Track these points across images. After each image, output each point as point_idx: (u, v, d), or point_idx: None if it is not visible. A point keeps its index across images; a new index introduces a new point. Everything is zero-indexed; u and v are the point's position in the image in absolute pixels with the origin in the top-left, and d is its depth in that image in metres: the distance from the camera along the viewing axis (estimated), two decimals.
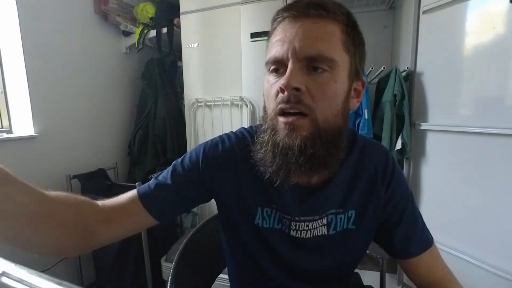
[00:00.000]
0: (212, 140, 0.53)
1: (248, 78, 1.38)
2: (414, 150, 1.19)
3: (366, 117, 1.16)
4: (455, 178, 1.06)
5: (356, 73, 0.43)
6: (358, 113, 1.20)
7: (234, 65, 1.39)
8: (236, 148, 0.50)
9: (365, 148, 0.51)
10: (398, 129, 1.18)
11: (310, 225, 0.49)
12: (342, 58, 0.40)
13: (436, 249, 0.51)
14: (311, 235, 0.49)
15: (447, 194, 1.09)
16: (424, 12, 1.11)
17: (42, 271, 0.22)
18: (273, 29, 0.43)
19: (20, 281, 0.21)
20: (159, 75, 1.74)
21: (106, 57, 1.66)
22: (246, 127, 0.56)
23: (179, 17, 1.53)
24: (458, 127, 1.02)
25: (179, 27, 1.58)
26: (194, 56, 1.50)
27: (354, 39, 0.42)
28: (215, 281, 0.72)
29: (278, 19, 0.42)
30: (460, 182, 1.04)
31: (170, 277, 0.65)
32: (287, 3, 1.28)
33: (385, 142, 1.18)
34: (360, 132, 1.18)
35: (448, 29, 1.04)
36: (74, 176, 1.36)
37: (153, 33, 1.67)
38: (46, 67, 1.32)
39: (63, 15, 1.40)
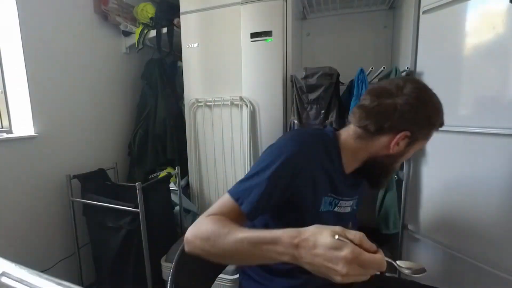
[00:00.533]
0: (292, 143, 0.63)
1: (248, 78, 1.38)
2: None
3: None
4: (454, 178, 1.06)
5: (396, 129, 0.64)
6: None
7: (234, 65, 1.39)
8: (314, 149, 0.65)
9: None
10: None
11: (348, 203, 0.72)
12: None
13: None
14: (349, 210, 0.73)
15: (447, 194, 1.09)
16: (424, 12, 1.11)
17: (42, 271, 0.22)
18: (434, 126, 0.66)
19: (20, 281, 0.21)
20: (159, 75, 1.74)
21: (106, 57, 1.66)
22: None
23: (179, 17, 1.53)
24: (458, 127, 1.02)
25: (179, 27, 1.58)
26: (194, 56, 1.50)
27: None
28: (215, 281, 0.72)
29: (438, 122, 0.66)
30: (460, 182, 1.04)
31: (170, 277, 0.65)
32: (286, 5, 1.29)
33: None
34: None
35: (448, 29, 1.04)
36: (74, 176, 1.37)
37: (153, 33, 1.67)
38: (46, 67, 1.33)
39: (63, 15, 1.40)
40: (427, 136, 0.64)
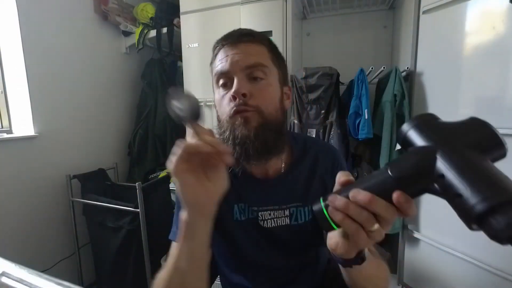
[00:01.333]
0: None
1: None
2: None
3: (366, 117, 1.16)
4: None
5: (283, 80, 0.57)
6: (358, 113, 1.20)
7: None
8: None
9: (318, 152, 0.60)
10: (398, 129, 1.18)
11: (273, 214, 0.57)
12: (272, 68, 0.54)
13: None
14: (276, 224, 0.57)
15: None
16: (424, 12, 1.11)
17: (42, 271, 0.22)
18: (215, 54, 0.56)
19: (20, 281, 0.21)
20: (159, 75, 1.74)
21: (106, 57, 1.66)
22: None
23: (179, 17, 1.53)
24: None
25: (179, 27, 1.58)
26: (194, 56, 1.50)
27: (277, 56, 0.56)
28: (215, 281, 0.72)
29: (218, 47, 0.56)
30: None
31: None
32: (286, 4, 1.29)
33: (385, 142, 1.18)
34: (360, 132, 1.18)
35: (448, 29, 1.04)
36: (74, 176, 1.37)
37: (153, 33, 1.67)
38: (46, 67, 1.33)
39: (63, 15, 1.40)
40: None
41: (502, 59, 0.89)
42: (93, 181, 1.42)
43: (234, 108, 0.50)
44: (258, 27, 1.32)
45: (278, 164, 0.58)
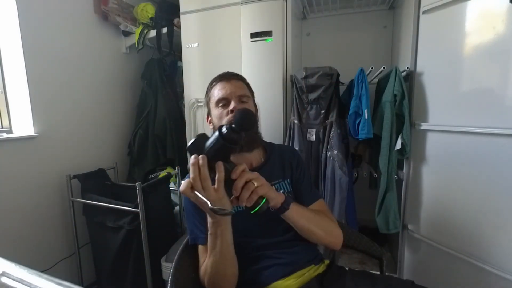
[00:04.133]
0: None
1: (248, 78, 1.36)
2: (414, 150, 1.19)
3: (366, 117, 1.16)
4: (454, 178, 1.06)
5: (254, 103, 0.85)
6: (358, 113, 1.20)
7: (234, 65, 1.39)
8: None
9: (282, 149, 0.88)
10: (398, 129, 1.18)
11: None
12: (250, 96, 0.82)
13: (323, 202, 0.83)
14: None
15: (447, 194, 1.09)
16: (424, 12, 1.11)
17: (42, 271, 0.22)
18: (212, 86, 0.82)
19: (20, 281, 0.21)
20: (159, 75, 1.74)
21: (106, 57, 1.66)
22: None
23: (179, 17, 1.53)
24: (458, 127, 1.02)
25: (179, 27, 1.58)
26: (194, 56, 1.49)
27: (250, 88, 0.85)
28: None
29: (214, 83, 0.82)
30: (460, 182, 1.04)
31: (170, 277, 0.65)
32: (286, 4, 1.29)
33: (385, 142, 1.18)
34: (360, 132, 1.18)
35: (448, 29, 1.04)
36: (74, 176, 1.37)
37: (153, 33, 1.67)
38: (46, 67, 1.33)
39: (63, 15, 1.40)
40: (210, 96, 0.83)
41: (502, 59, 0.89)
42: (93, 181, 1.42)
43: (232, 119, 0.72)
44: (258, 27, 1.33)
45: (258, 157, 0.82)
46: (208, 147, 0.54)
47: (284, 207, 0.64)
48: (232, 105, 0.74)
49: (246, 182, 0.55)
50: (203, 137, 0.56)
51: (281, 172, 0.81)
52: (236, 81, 0.80)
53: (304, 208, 0.72)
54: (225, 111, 0.75)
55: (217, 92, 0.78)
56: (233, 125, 0.52)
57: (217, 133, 0.53)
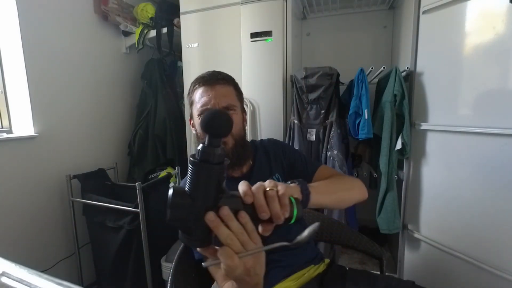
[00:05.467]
0: None
1: (248, 78, 1.38)
2: (414, 150, 1.19)
3: (366, 117, 1.16)
4: (455, 178, 1.06)
5: (242, 108, 0.79)
6: (358, 113, 1.20)
7: (234, 65, 1.39)
8: None
9: (264, 145, 0.86)
10: (398, 129, 1.18)
11: None
12: (237, 103, 0.75)
13: (325, 167, 0.82)
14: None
15: (447, 194, 1.09)
16: (424, 12, 1.11)
17: (42, 271, 0.22)
18: (193, 90, 0.74)
19: (20, 281, 0.21)
20: (159, 75, 1.74)
21: (106, 57, 1.66)
22: None
23: (179, 17, 1.53)
24: (458, 127, 1.02)
25: (179, 27, 1.58)
26: (194, 56, 1.49)
27: (239, 91, 0.79)
28: (215, 281, 0.72)
29: (196, 86, 0.73)
30: (460, 182, 1.04)
31: (170, 277, 0.65)
32: (286, 4, 1.29)
33: (385, 142, 1.18)
34: (360, 132, 1.18)
35: (448, 29, 1.04)
36: (74, 176, 1.37)
37: (153, 33, 1.67)
38: (46, 67, 1.33)
39: (63, 15, 1.40)
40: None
41: (502, 59, 0.89)
42: (93, 181, 1.42)
43: None
44: (258, 27, 1.33)
45: (248, 163, 0.80)
46: (196, 196, 0.40)
47: (305, 193, 0.52)
48: None
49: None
50: (179, 192, 0.41)
51: (269, 169, 0.80)
52: (221, 87, 0.71)
53: (316, 184, 0.62)
54: None
55: (199, 97, 0.71)
56: (205, 142, 0.37)
57: (192, 166, 0.38)
